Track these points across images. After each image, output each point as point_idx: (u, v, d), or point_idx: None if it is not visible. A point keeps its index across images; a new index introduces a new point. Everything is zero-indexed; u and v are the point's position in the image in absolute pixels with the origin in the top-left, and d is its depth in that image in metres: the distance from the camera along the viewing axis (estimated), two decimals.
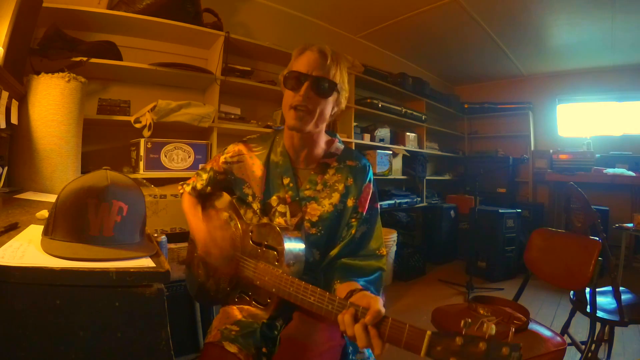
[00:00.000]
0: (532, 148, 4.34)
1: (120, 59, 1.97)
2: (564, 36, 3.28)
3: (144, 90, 2.20)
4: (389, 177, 3.45)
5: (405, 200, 3.68)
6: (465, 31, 3.28)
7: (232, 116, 2.42)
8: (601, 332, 1.54)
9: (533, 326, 1.35)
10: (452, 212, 4.00)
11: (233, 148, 1.08)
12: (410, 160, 3.75)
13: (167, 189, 1.92)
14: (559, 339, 1.30)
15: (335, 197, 0.97)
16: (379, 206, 1.03)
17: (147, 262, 0.63)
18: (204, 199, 1.14)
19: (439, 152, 4.38)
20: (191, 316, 1.75)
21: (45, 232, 0.65)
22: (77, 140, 1.56)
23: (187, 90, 2.39)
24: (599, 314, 1.54)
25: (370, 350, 0.95)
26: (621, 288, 1.65)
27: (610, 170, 3.49)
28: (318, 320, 0.88)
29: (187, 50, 2.38)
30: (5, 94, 1.21)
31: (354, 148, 3.02)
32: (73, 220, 0.64)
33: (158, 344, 0.57)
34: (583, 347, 1.60)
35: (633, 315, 1.52)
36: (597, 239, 1.49)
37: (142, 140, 1.93)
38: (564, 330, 1.74)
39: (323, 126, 0.98)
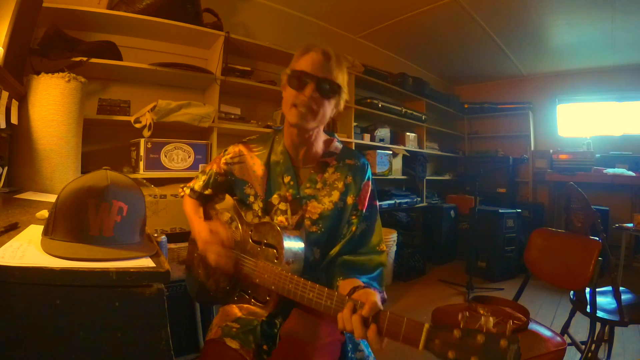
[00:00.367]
0: (532, 148, 4.34)
1: (120, 59, 1.97)
2: (564, 36, 3.28)
3: (144, 90, 2.20)
4: (389, 177, 3.45)
5: (405, 200, 3.68)
6: (465, 31, 3.28)
7: (232, 116, 2.42)
8: (601, 332, 1.54)
9: (533, 326, 1.36)
10: (452, 212, 4.00)
11: (233, 149, 1.09)
12: (410, 160, 3.75)
13: (167, 189, 1.92)
14: (559, 339, 1.30)
15: (335, 195, 0.98)
16: (377, 204, 1.04)
17: (147, 262, 0.63)
18: (206, 201, 1.15)
19: (439, 152, 4.38)
20: (191, 316, 1.75)
21: (45, 232, 0.65)
22: (77, 140, 1.56)
23: (187, 90, 2.39)
24: (599, 314, 1.54)
25: (370, 349, 0.96)
26: (621, 288, 1.65)
27: (610, 170, 3.49)
28: (318, 314, 0.88)
29: (187, 50, 2.38)
30: (5, 94, 1.21)
31: (354, 148, 3.02)
32: (73, 220, 0.64)
33: (158, 344, 0.57)
34: (583, 347, 1.60)
35: (633, 315, 1.52)
36: (597, 239, 1.49)
37: (142, 140, 1.93)
38: (564, 330, 1.74)
39: (322, 126, 0.99)
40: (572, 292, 1.74)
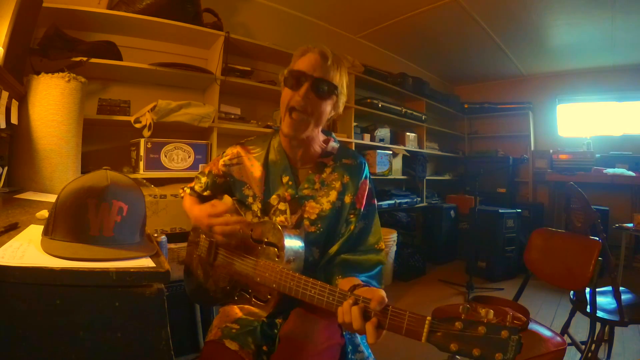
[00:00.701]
0: (532, 148, 4.35)
1: (120, 59, 1.97)
2: (563, 36, 3.28)
3: (144, 90, 2.20)
4: (389, 177, 3.45)
5: (405, 200, 3.68)
6: (465, 31, 3.28)
7: (232, 116, 2.42)
8: (601, 332, 1.54)
9: (533, 326, 1.36)
10: (452, 212, 4.00)
11: (231, 150, 1.10)
12: (410, 160, 3.75)
13: (167, 189, 1.92)
14: (559, 339, 1.30)
15: (333, 195, 0.98)
16: (376, 202, 1.04)
17: (147, 262, 0.63)
18: (205, 201, 1.15)
19: (439, 152, 4.38)
20: (191, 316, 1.75)
21: (45, 232, 0.65)
22: (77, 140, 1.56)
23: (187, 90, 2.39)
24: (599, 314, 1.54)
25: (369, 350, 0.96)
26: (621, 288, 1.65)
27: (610, 170, 3.48)
28: (317, 316, 0.88)
29: (187, 50, 2.38)
30: (5, 94, 1.21)
31: (354, 148, 3.02)
32: (73, 220, 0.63)
33: (158, 344, 0.57)
34: (583, 347, 1.60)
35: (633, 315, 1.52)
36: (597, 239, 1.49)
37: (142, 140, 1.93)
38: (564, 330, 1.74)
39: (319, 128, 0.99)
40: (572, 292, 1.73)
